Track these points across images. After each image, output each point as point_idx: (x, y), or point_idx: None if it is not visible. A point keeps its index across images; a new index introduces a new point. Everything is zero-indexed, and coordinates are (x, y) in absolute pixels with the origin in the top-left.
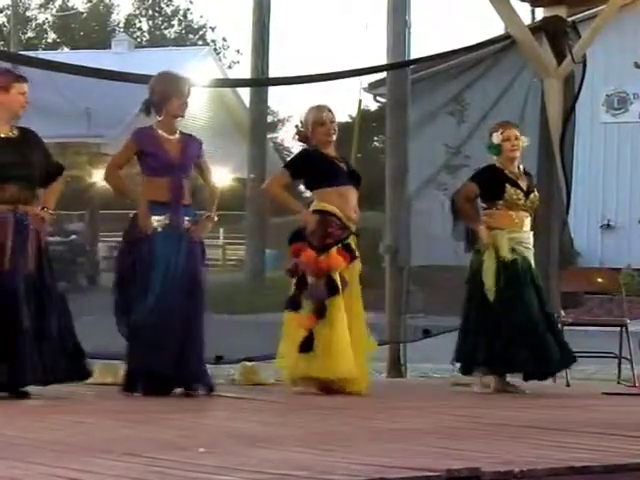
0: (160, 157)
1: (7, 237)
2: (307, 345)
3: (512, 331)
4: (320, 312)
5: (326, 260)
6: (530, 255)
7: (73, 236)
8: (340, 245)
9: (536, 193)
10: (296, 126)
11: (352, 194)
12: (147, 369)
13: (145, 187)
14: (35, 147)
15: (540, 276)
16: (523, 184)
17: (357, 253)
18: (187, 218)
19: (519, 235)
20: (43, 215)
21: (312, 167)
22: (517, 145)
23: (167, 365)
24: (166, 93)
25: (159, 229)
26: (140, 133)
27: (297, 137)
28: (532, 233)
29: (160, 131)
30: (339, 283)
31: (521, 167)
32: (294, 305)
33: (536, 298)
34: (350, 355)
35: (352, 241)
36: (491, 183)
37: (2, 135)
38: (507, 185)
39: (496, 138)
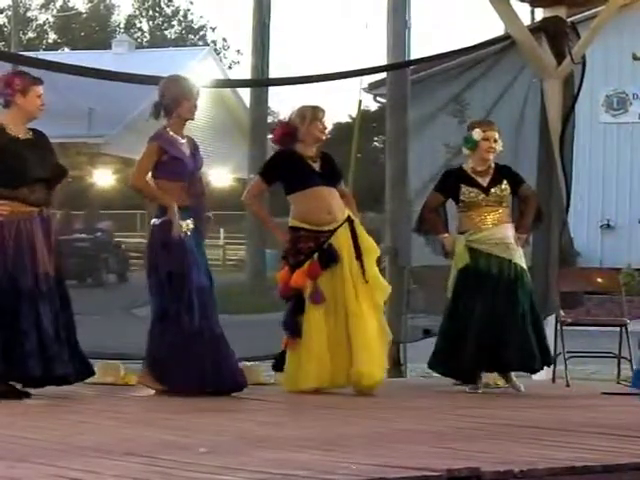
0: (182, 162)
1: (37, 239)
2: (278, 364)
3: (478, 336)
4: (292, 331)
5: (294, 277)
6: (505, 250)
7: (98, 233)
8: (316, 255)
9: (503, 185)
10: (279, 122)
11: (327, 193)
12: (186, 370)
13: (165, 192)
14: (49, 150)
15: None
16: (484, 180)
17: (361, 240)
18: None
19: (482, 235)
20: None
21: (284, 170)
22: (494, 148)
23: (205, 366)
24: (177, 96)
25: (188, 233)
26: (162, 137)
27: (278, 134)
28: (510, 225)
29: (174, 135)
30: (306, 297)
31: (492, 164)
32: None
33: (505, 295)
34: (323, 365)
35: (339, 238)
36: (450, 187)
37: (21, 137)
38: (462, 186)
39: (476, 135)
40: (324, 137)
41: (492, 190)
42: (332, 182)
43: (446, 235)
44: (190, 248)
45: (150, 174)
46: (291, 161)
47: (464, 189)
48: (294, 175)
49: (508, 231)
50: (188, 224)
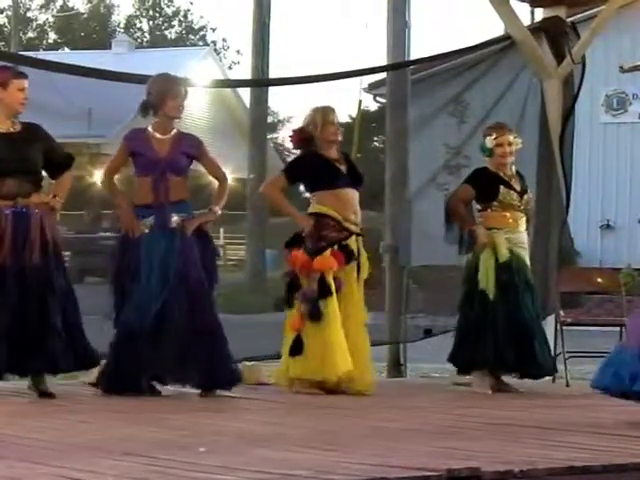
0: (146, 155)
1: (3, 231)
2: (296, 348)
3: (507, 332)
4: (313, 315)
5: (318, 261)
6: (525, 255)
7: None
8: (336, 247)
9: (529, 194)
10: (294, 130)
11: (352, 196)
12: (138, 369)
13: (136, 189)
14: (36, 142)
15: (535, 276)
16: (516, 185)
17: (361, 254)
18: (175, 215)
19: (515, 236)
20: (52, 203)
21: (310, 171)
22: (510, 151)
23: (159, 365)
24: (161, 94)
25: (146, 230)
26: (131, 135)
27: (295, 141)
28: (526, 233)
29: (154, 132)
30: (332, 285)
31: (514, 169)
32: (287, 303)
33: (530, 299)
34: (342, 356)
35: (352, 243)
36: (485, 184)
37: (2, 130)
38: (501, 186)
39: (489, 142)
40: (337, 138)
41: (524, 197)
42: (357, 184)
43: (481, 227)
44: (144, 247)
45: (134, 172)
46: (318, 162)
47: (503, 190)
48: (321, 176)
49: (526, 238)
50: (147, 221)
